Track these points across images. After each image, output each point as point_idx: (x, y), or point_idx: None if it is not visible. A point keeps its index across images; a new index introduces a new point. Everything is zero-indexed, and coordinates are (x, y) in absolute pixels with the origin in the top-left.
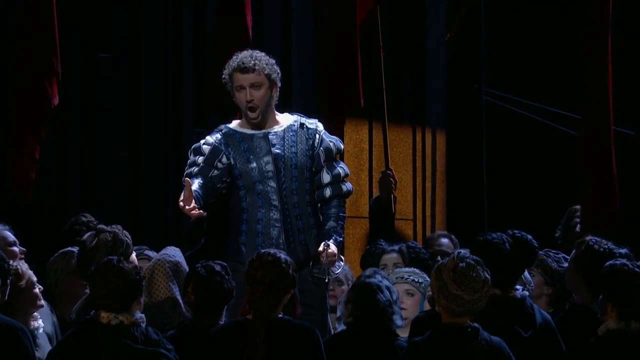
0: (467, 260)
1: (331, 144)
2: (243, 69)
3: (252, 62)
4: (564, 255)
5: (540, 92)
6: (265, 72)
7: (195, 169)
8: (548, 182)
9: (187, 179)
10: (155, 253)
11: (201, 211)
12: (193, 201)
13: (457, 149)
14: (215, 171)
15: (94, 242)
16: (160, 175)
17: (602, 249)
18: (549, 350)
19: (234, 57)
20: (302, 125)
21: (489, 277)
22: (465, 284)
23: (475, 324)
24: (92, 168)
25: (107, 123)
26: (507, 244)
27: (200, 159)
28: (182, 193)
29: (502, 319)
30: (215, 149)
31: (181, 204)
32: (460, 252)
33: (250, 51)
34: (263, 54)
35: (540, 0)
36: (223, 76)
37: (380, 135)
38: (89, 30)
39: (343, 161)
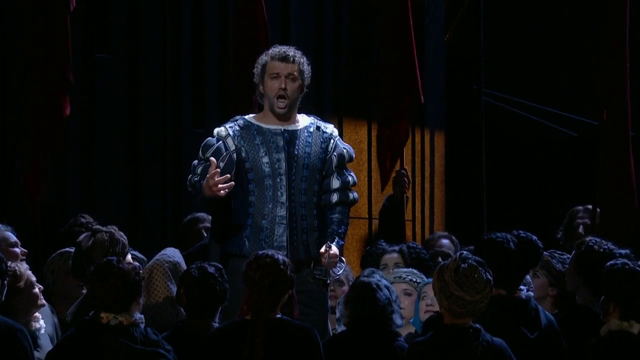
0: (469, 261)
1: (344, 150)
2: (284, 57)
3: (293, 53)
4: (569, 256)
5: (539, 92)
6: (302, 67)
7: (197, 178)
8: (547, 182)
9: (212, 158)
10: (139, 254)
11: (232, 183)
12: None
13: (456, 149)
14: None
15: (90, 242)
16: (159, 175)
17: (602, 250)
18: (554, 352)
19: (272, 49)
20: (318, 127)
21: (491, 278)
22: (466, 285)
23: (477, 325)
24: (91, 168)
25: (106, 124)
26: (511, 244)
27: (199, 169)
28: (209, 174)
29: (507, 320)
30: (216, 152)
31: (216, 178)
32: (463, 253)
33: (287, 46)
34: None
35: (539, 0)
36: (255, 66)
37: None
38: (88, 31)
39: None
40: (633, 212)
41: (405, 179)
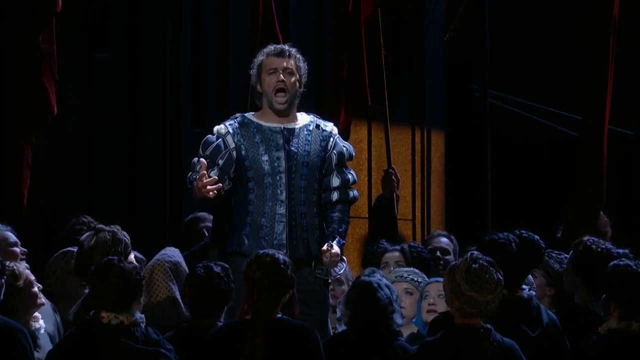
0: (480, 261)
1: (344, 149)
2: (280, 52)
3: (288, 49)
4: (566, 255)
5: (539, 92)
6: (299, 63)
7: (195, 176)
8: (547, 182)
9: (202, 160)
10: (138, 254)
11: (220, 185)
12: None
13: (455, 149)
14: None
15: (93, 241)
16: (159, 175)
17: (599, 249)
18: (555, 350)
19: (267, 47)
20: (317, 126)
21: (501, 278)
22: (478, 286)
23: (488, 325)
24: (91, 168)
25: (106, 123)
26: (513, 244)
27: (198, 167)
28: (199, 174)
29: (509, 319)
30: (215, 149)
31: (204, 180)
32: (473, 253)
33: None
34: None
35: (540, 0)
36: (251, 66)
37: (379, 135)
38: (88, 31)
39: None
40: (599, 209)
41: (394, 177)
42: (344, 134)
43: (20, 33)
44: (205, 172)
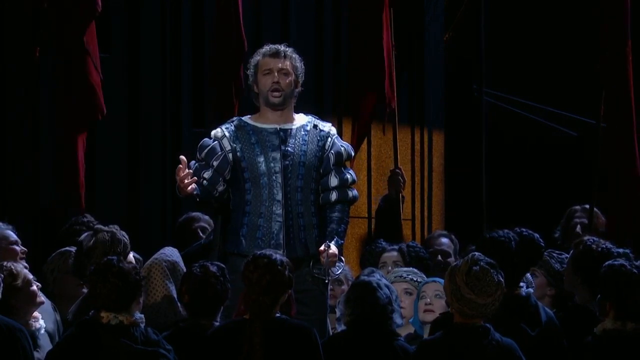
0: (481, 263)
1: (342, 148)
2: (275, 53)
3: (284, 50)
4: (567, 255)
5: (539, 92)
6: (295, 63)
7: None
8: (546, 182)
9: (181, 157)
10: (136, 254)
11: (194, 186)
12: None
13: (455, 149)
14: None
15: (92, 241)
16: (159, 175)
17: (599, 249)
18: (554, 348)
19: (264, 47)
20: (315, 126)
21: (502, 280)
22: (478, 289)
23: (487, 325)
24: (91, 168)
25: (106, 123)
26: (512, 242)
27: (195, 166)
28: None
29: (508, 317)
30: (210, 151)
31: (180, 175)
32: (475, 254)
33: (279, 44)
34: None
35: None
36: (248, 67)
37: (379, 135)
38: None
39: None
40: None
41: (400, 178)
42: (362, 136)
43: (66, 34)
44: (181, 166)
